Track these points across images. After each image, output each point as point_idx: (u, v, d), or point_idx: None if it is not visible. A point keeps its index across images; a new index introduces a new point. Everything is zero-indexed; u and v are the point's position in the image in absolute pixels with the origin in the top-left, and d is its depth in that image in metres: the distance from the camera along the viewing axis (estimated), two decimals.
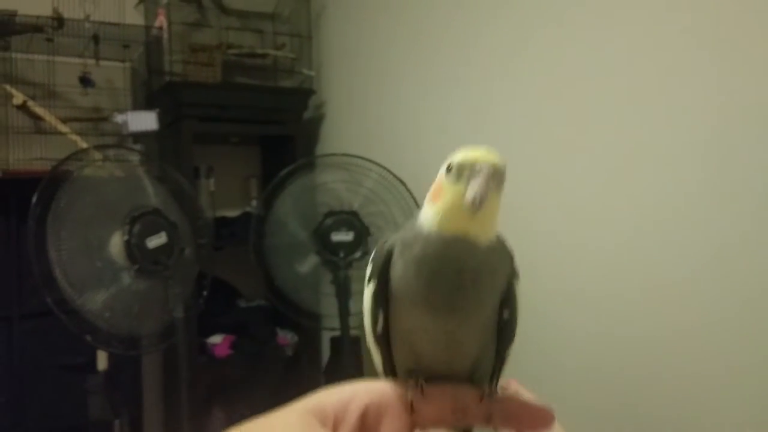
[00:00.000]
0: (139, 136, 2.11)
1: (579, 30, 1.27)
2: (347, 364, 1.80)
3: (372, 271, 0.45)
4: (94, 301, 1.43)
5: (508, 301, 0.45)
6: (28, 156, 2.00)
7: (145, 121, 2.03)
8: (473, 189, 0.40)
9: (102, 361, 1.60)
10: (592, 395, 1.23)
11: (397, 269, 0.44)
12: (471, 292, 0.41)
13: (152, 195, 1.59)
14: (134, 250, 1.48)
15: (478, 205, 0.39)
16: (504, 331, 0.46)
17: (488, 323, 0.44)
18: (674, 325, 1.08)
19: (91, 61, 2.12)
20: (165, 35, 2.15)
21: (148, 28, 2.20)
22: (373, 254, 0.46)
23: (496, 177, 0.41)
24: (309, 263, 1.84)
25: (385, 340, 0.47)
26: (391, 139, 1.92)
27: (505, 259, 0.44)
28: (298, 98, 2.36)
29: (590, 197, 1.25)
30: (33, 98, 1.98)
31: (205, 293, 1.75)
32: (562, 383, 1.28)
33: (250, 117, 2.26)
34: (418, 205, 1.69)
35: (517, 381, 1.20)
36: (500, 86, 1.47)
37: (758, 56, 0.96)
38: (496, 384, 0.48)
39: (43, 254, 1.43)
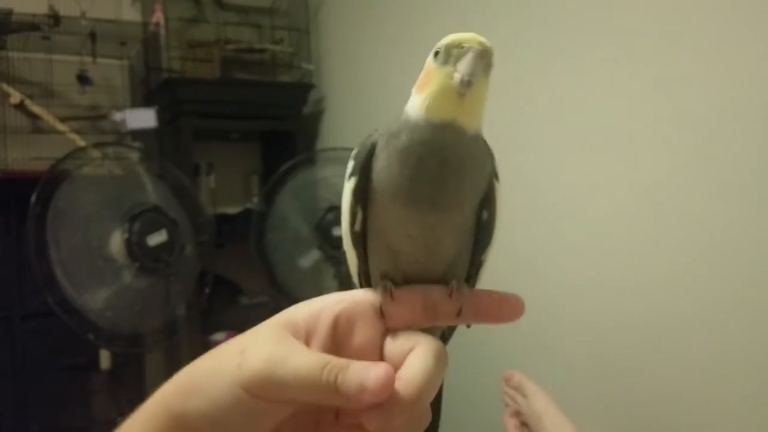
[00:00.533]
0: (138, 134, 2.10)
1: (582, 23, 1.25)
2: None
3: (353, 166, 0.44)
4: (96, 300, 1.42)
5: (488, 201, 0.43)
6: (26, 155, 1.99)
7: (144, 118, 2.02)
8: (462, 66, 0.39)
9: (105, 360, 1.60)
10: (591, 385, 1.22)
11: (380, 161, 0.42)
12: (453, 184, 0.40)
13: (152, 192, 1.59)
14: (135, 247, 1.48)
15: (467, 83, 0.39)
16: (482, 233, 0.45)
17: (467, 223, 0.43)
18: (673, 314, 1.07)
19: (89, 59, 2.11)
20: (162, 31, 2.14)
21: (145, 24, 2.19)
22: (355, 151, 0.45)
23: (485, 58, 0.40)
24: (311, 258, 1.83)
25: (362, 240, 0.46)
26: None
27: (488, 154, 0.43)
28: (298, 93, 2.34)
29: (589, 187, 1.24)
30: (30, 97, 1.97)
31: (207, 290, 1.74)
32: (562, 373, 1.27)
33: (250, 113, 2.25)
34: None
35: (520, 372, 1.20)
36: (502, 79, 1.46)
37: (754, 54, 0.94)
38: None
39: (44, 254, 1.43)
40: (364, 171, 0.43)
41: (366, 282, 0.48)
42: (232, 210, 2.42)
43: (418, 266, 0.43)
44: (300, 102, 2.34)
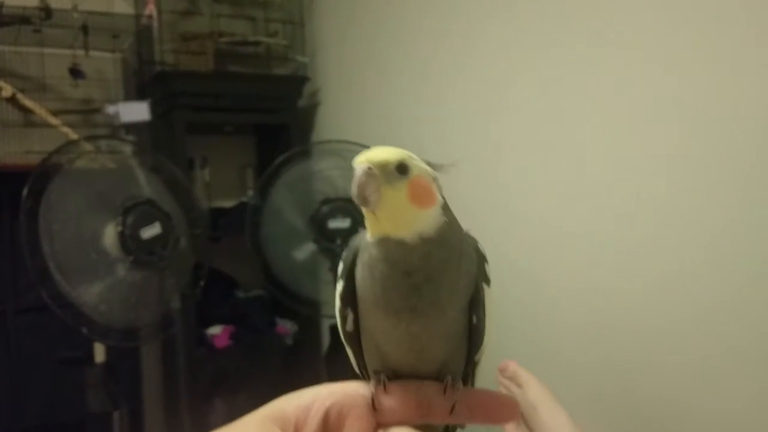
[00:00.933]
0: (131, 128, 2.09)
1: (586, 16, 1.25)
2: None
3: (341, 270, 0.45)
4: (90, 294, 1.41)
5: (475, 305, 0.44)
6: (19, 149, 1.98)
7: (137, 111, 2.01)
8: (352, 193, 0.40)
9: (99, 353, 1.59)
10: (590, 385, 1.22)
11: (358, 271, 0.43)
12: (427, 293, 0.40)
13: (145, 186, 1.58)
14: (128, 241, 1.47)
15: (362, 203, 0.40)
16: (473, 335, 0.45)
17: (455, 326, 0.43)
18: (672, 314, 1.07)
19: (81, 52, 2.09)
20: (155, 24, 2.12)
21: (137, 17, 2.17)
22: (344, 253, 0.46)
23: (383, 172, 0.40)
24: (306, 251, 1.83)
25: (356, 339, 0.47)
26: (387, 125, 1.90)
27: (465, 257, 0.43)
28: (292, 86, 2.33)
29: (588, 188, 1.23)
30: (22, 91, 1.95)
31: (201, 284, 1.73)
32: (561, 374, 1.27)
33: (244, 106, 2.24)
34: None
35: (516, 362, 1.19)
36: (500, 71, 1.45)
37: (751, 55, 0.94)
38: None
39: (37, 248, 1.42)
40: (350, 275, 0.44)
41: (366, 376, 0.48)
42: (227, 203, 2.41)
43: (409, 368, 0.43)
44: (294, 95, 2.33)
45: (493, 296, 0.45)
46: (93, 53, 2.12)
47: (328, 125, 2.31)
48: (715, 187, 1.00)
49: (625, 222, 1.15)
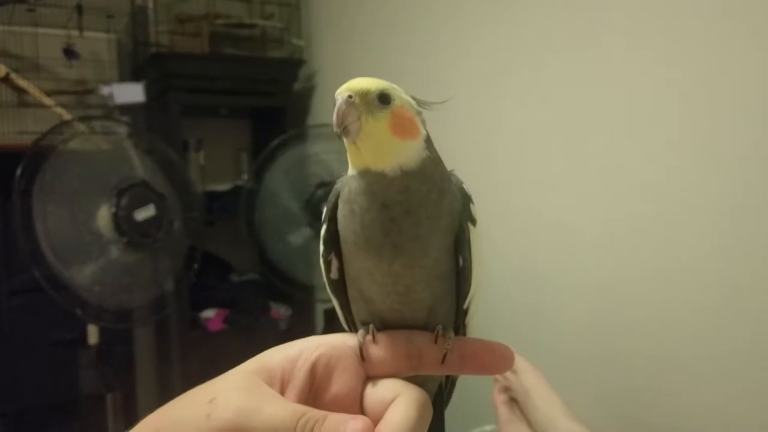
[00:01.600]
0: (125, 109, 2.08)
1: (579, 20, 1.24)
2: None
3: (324, 214, 0.44)
4: (83, 275, 1.41)
5: (461, 245, 0.42)
6: (13, 130, 1.97)
7: (132, 93, 1.99)
8: (333, 121, 0.39)
9: (93, 335, 1.59)
10: (590, 380, 1.23)
11: (340, 210, 0.42)
12: (406, 227, 0.39)
13: (139, 167, 1.57)
14: (122, 222, 1.46)
15: (342, 131, 0.39)
16: (460, 280, 0.43)
17: (440, 268, 0.41)
18: (672, 309, 1.07)
19: (75, 33, 2.07)
20: (150, 5, 2.10)
21: None
22: (330, 196, 0.45)
23: (364, 102, 0.40)
24: (301, 235, 1.82)
25: (342, 288, 0.45)
26: None
27: (447, 194, 0.41)
28: (288, 69, 2.31)
29: (590, 185, 1.23)
30: (16, 71, 1.93)
31: (195, 266, 1.73)
32: (560, 369, 1.27)
33: (239, 88, 2.22)
34: None
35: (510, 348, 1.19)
36: (501, 53, 1.44)
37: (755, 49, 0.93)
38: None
39: (30, 229, 1.41)
40: (332, 219, 0.43)
41: (353, 325, 0.46)
42: (222, 187, 2.40)
43: (396, 314, 0.42)
44: (290, 78, 2.31)
45: (481, 237, 0.43)
46: (87, 33, 2.10)
47: (324, 109, 2.30)
48: (718, 177, 0.99)
49: (627, 216, 1.15)
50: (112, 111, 2.07)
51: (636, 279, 1.13)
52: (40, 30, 2.05)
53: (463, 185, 0.43)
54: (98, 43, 2.20)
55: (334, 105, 0.40)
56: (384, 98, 0.40)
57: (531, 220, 1.35)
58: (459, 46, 1.55)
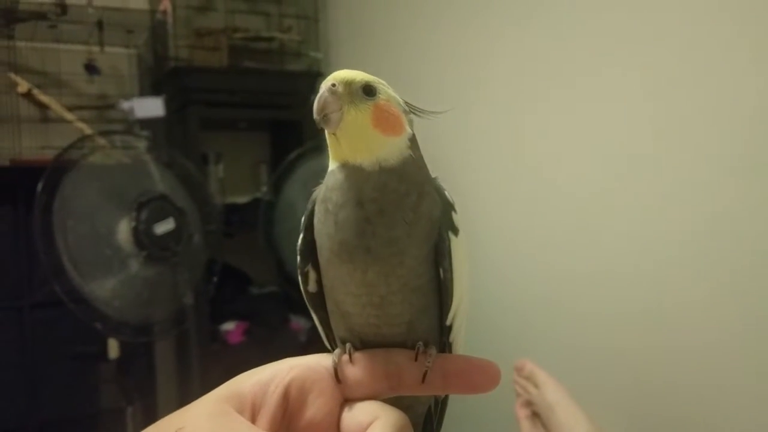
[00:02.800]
0: (146, 123, 2.09)
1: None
2: None
3: (302, 223, 0.42)
4: (103, 289, 1.42)
5: (441, 256, 0.39)
6: (36, 145, 1.99)
7: (152, 107, 2.01)
8: (314, 106, 0.38)
9: (113, 349, 1.59)
10: (602, 375, 1.21)
11: (316, 215, 0.41)
12: (380, 229, 0.37)
13: (158, 181, 1.58)
14: (142, 236, 1.47)
15: (322, 120, 0.38)
16: (443, 293, 0.40)
17: (418, 279, 0.39)
18: (683, 302, 1.05)
19: (96, 48, 2.10)
20: (169, 20, 2.12)
21: (152, 12, 2.17)
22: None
23: (348, 91, 0.39)
24: None
25: (320, 302, 0.43)
26: None
27: (426, 198, 0.39)
28: (306, 81, 2.32)
29: (599, 177, 1.22)
30: (38, 87, 1.96)
31: (215, 279, 1.73)
32: (572, 364, 1.25)
33: (258, 101, 2.23)
34: None
35: (531, 361, 1.18)
36: (519, 66, 1.43)
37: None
38: None
39: (51, 243, 1.42)
40: (309, 227, 0.41)
41: (334, 342, 0.44)
42: (241, 199, 2.41)
43: (374, 330, 0.40)
44: (308, 90, 2.31)
45: (463, 248, 0.41)
46: (108, 49, 2.13)
47: None
48: (725, 175, 0.98)
49: (636, 211, 1.14)
50: (133, 125, 2.09)
51: (648, 271, 1.12)
52: (62, 46, 2.08)
53: (446, 192, 0.41)
54: (119, 58, 2.23)
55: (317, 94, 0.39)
56: (369, 90, 0.40)
57: (548, 220, 1.34)
58: (477, 57, 1.54)
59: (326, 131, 0.39)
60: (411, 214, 0.38)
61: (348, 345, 0.39)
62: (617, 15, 1.18)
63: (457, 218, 0.41)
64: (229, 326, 2.19)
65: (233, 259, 2.29)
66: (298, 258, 0.43)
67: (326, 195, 0.39)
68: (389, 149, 0.39)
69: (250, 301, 2.33)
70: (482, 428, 1.43)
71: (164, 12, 2.12)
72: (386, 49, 1.99)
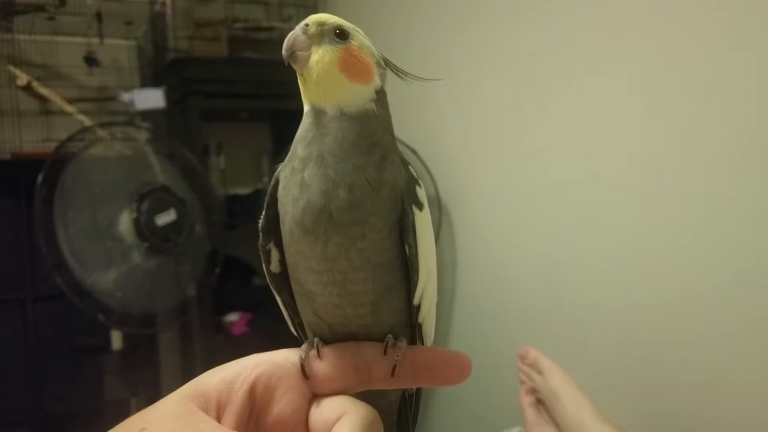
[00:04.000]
0: (147, 115, 2.09)
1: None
2: None
3: (266, 198, 0.41)
4: (105, 281, 1.41)
5: (405, 231, 0.38)
6: (37, 138, 1.98)
7: (152, 98, 2.00)
8: (284, 44, 0.38)
9: (117, 340, 1.59)
10: (607, 364, 1.20)
11: (281, 182, 0.39)
12: (342, 191, 0.36)
13: (159, 172, 1.57)
14: (143, 228, 1.47)
15: (290, 58, 0.38)
16: (409, 272, 0.39)
17: (381, 255, 0.37)
18: (690, 293, 1.04)
19: (96, 40, 2.09)
20: (169, 10, 2.11)
21: (151, 3, 2.16)
22: None
23: (319, 32, 0.39)
24: None
25: (284, 284, 0.42)
26: (402, 109, 1.86)
27: (390, 164, 0.38)
28: None
29: (604, 165, 1.21)
30: (38, 79, 1.95)
31: (217, 271, 1.73)
32: (577, 353, 1.25)
33: (259, 92, 2.22)
34: (430, 174, 1.66)
35: (537, 349, 1.18)
36: (524, 57, 1.42)
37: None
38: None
39: (52, 235, 1.42)
40: (272, 203, 0.40)
41: (303, 337, 0.43)
42: (243, 190, 2.40)
43: (338, 312, 0.38)
44: None
45: (428, 224, 0.40)
46: (107, 41, 2.11)
47: None
48: (728, 166, 0.97)
49: (642, 201, 1.13)
50: (134, 117, 2.08)
51: (653, 261, 1.11)
52: (61, 38, 2.06)
53: (410, 167, 0.40)
54: (118, 49, 2.21)
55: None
56: (342, 34, 0.39)
57: (551, 210, 1.33)
58: (478, 49, 1.53)
59: (297, 72, 0.39)
60: (374, 174, 0.37)
61: (316, 339, 0.38)
62: (622, 9, 1.17)
63: (422, 193, 0.40)
64: (232, 317, 2.19)
65: (236, 250, 2.28)
66: (260, 236, 0.41)
67: (293, 150, 0.39)
68: (351, 96, 0.38)
69: (253, 292, 2.33)
70: (485, 416, 1.43)
71: (163, 3, 2.10)
72: (386, 38, 1.98)
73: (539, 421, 1.09)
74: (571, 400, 1.04)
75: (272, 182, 0.40)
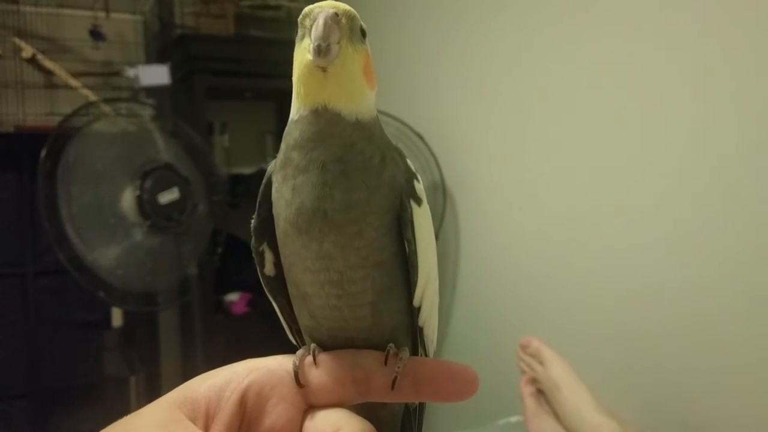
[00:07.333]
0: (151, 91, 2.07)
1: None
2: None
3: (258, 198, 0.39)
4: (107, 258, 1.41)
5: (404, 227, 0.36)
6: (41, 111, 1.97)
7: (157, 75, 1.98)
8: (313, 33, 0.33)
9: (117, 317, 1.59)
10: (608, 354, 1.20)
11: (274, 184, 0.37)
12: (339, 193, 0.34)
13: (164, 150, 1.56)
14: (146, 205, 1.46)
15: (319, 49, 0.33)
16: (410, 272, 0.37)
17: (379, 254, 0.36)
18: (692, 282, 1.04)
19: (102, 14, 2.07)
20: None
21: None
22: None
23: (344, 19, 0.35)
24: None
25: (280, 287, 0.40)
26: (408, 92, 1.85)
27: (390, 163, 0.36)
28: None
29: (606, 161, 1.20)
30: (43, 52, 1.93)
31: (219, 250, 1.72)
32: (578, 343, 1.24)
33: (264, 71, 2.20)
34: (436, 160, 1.64)
35: (536, 338, 1.17)
36: (526, 36, 1.40)
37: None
38: (423, 355, 0.40)
39: (55, 211, 1.41)
40: (263, 202, 0.38)
41: (301, 345, 0.40)
42: (247, 170, 2.39)
43: (336, 315, 0.36)
44: None
45: (428, 219, 0.38)
46: (113, 15, 2.10)
47: None
48: (730, 159, 0.96)
49: (644, 190, 1.12)
50: (138, 93, 2.07)
51: (655, 250, 1.10)
52: (67, 11, 2.05)
53: (408, 161, 0.38)
54: (124, 24, 2.19)
55: (311, 19, 0.35)
56: (364, 33, 0.37)
57: (558, 201, 1.32)
58: (487, 24, 1.52)
59: (304, 66, 0.35)
60: (373, 179, 0.35)
61: (312, 345, 0.36)
62: (625, 14, 1.15)
63: (420, 188, 0.38)
64: (233, 297, 2.19)
65: (238, 230, 2.28)
66: (252, 237, 0.40)
67: (287, 156, 0.36)
68: (367, 103, 0.36)
69: (254, 273, 2.30)
70: (485, 406, 1.42)
71: None
72: (393, 19, 1.96)
73: (539, 411, 1.09)
74: (572, 391, 1.03)
75: (264, 181, 0.39)
